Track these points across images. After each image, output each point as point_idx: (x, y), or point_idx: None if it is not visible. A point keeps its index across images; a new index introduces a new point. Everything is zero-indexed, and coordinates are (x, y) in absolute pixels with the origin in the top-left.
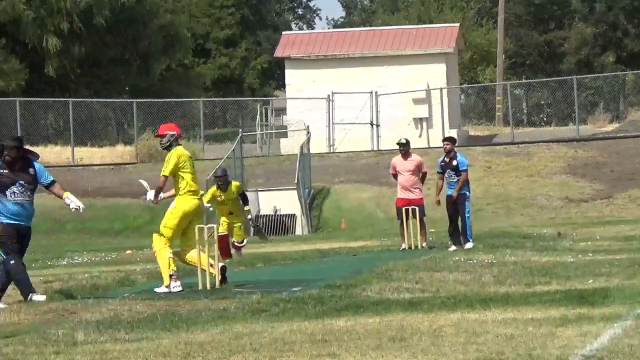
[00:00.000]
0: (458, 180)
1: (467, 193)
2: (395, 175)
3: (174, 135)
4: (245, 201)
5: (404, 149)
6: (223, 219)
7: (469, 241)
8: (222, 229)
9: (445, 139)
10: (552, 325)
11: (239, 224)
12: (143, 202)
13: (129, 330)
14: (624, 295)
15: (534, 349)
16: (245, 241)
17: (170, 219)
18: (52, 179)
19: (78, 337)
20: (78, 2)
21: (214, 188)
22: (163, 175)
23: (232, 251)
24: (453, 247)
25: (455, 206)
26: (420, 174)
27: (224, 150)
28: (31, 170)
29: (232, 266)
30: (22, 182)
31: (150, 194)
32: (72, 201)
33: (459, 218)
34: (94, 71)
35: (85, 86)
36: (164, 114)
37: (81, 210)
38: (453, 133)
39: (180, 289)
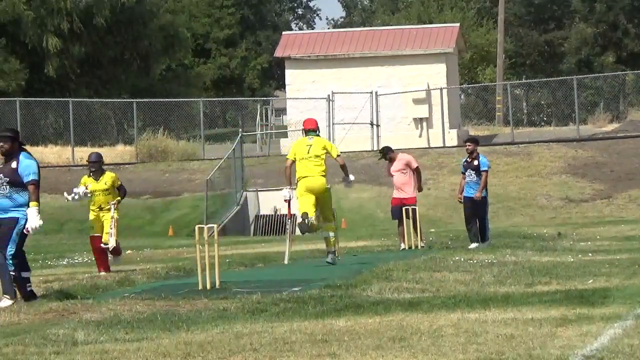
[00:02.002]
0: (479, 180)
1: (485, 194)
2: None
3: (308, 129)
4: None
5: (384, 156)
6: (93, 217)
7: (486, 241)
8: (93, 232)
9: (467, 140)
10: (552, 325)
11: (109, 220)
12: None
13: (129, 330)
14: (624, 295)
15: (534, 349)
16: (112, 243)
17: (298, 200)
18: (30, 179)
19: (78, 337)
20: (78, 2)
21: (85, 177)
22: (287, 159)
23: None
24: (474, 245)
25: (473, 206)
26: (412, 171)
27: (224, 150)
28: (14, 163)
29: (232, 266)
30: (1, 174)
31: (285, 192)
32: (29, 221)
33: (477, 218)
34: (94, 71)
35: (85, 86)
36: (164, 114)
37: (31, 232)
38: (453, 133)
39: (331, 260)
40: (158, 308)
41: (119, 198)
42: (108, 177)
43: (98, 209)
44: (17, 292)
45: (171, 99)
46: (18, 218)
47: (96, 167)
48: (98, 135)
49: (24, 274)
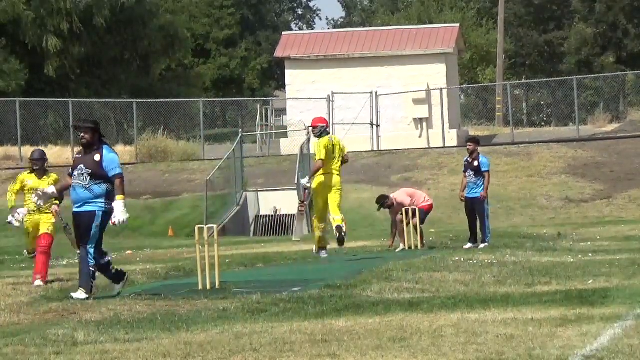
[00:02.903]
0: (478, 180)
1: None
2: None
3: (324, 126)
4: (60, 199)
5: (382, 207)
6: (27, 218)
7: (486, 242)
8: (28, 239)
9: (468, 140)
10: (552, 325)
11: (47, 222)
12: (303, 187)
13: (129, 330)
14: (624, 295)
15: (534, 349)
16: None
17: (313, 199)
18: (116, 173)
19: (78, 337)
20: (78, 2)
21: (24, 174)
22: (320, 160)
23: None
24: (468, 245)
25: (472, 206)
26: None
27: (224, 150)
28: (96, 156)
29: (232, 266)
30: (82, 165)
31: (305, 180)
32: (115, 214)
33: (477, 218)
34: (94, 71)
35: (85, 86)
36: (164, 114)
37: (117, 225)
38: (453, 133)
39: (325, 255)
40: (158, 308)
41: (57, 202)
42: (52, 178)
43: (36, 210)
44: (92, 289)
45: (171, 99)
46: (95, 211)
47: (39, 164)
48: None
49: (103, 260)
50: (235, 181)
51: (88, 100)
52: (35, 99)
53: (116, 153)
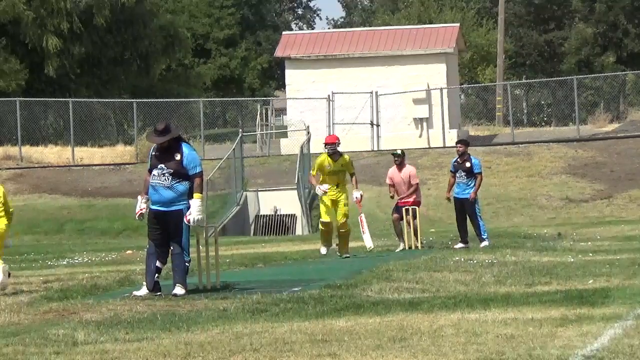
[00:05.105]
0: (470, 181)
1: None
2: (392, 185)
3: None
4: None
5: (399, 159)
6: None
7: (484, 240)
8: None
9: (458, 142)
10: (552, 325)
11: None
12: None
13: (129, 330)
14: (624, 295)
15: (534, 349)
16: None
17: None
18: (197, 171)
19: (78, 337)
20: (78, 2)
21: None
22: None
23: None
24: (459, 245)
25: (462, 207)
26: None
27: (224, 150)
28: (177, 155)
29: (232, 266)
30: (162, 165)
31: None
32: (190, 211)
33: (467, 219)
34: (94, 71)
35: (85, 86)
36: (164, 114)
37: (192, 223)
38: (453, 133)
39: (324, 251)
40: (158, 308)
41: None
42: None
43: None
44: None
45: (171, 99)
46: (183, 210)
47: None
48: (98, 135)
49: (159, 264)
50: (235, 181)
51: (88, 100)
52: (35, 99)
53: (195, 151)
